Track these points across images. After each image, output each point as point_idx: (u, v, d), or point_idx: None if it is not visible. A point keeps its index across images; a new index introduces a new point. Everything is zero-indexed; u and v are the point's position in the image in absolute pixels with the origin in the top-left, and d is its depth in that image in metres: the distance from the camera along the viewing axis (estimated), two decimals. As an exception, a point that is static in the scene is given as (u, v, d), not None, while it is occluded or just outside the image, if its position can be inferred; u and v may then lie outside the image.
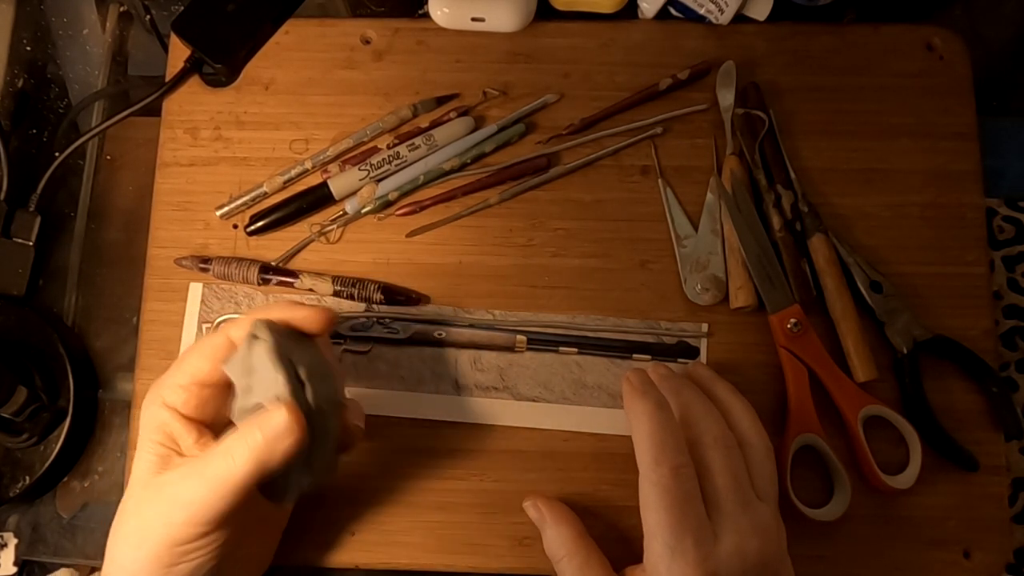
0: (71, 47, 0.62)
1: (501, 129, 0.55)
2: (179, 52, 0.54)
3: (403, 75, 0.56)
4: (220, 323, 0.52)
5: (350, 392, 0.51)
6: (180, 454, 0.41)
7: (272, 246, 0.54)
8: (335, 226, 0.54)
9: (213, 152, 0.55)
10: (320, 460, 0.41)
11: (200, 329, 0.52)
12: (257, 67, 0.55)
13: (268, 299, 0.53)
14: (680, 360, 0.52)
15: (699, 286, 0.52)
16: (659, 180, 0.54)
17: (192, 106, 0.56)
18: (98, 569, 0.53)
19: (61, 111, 0.60)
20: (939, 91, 0.55)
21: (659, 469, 0.42)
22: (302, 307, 0.42)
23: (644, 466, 0.42)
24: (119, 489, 0.52)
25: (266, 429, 0.38)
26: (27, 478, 0.52)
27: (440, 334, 0.52)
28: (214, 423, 0.43)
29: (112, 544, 0.41)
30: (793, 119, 0.55)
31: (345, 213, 0.54)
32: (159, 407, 0.41)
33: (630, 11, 0.57)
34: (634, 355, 0.52)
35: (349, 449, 0.44)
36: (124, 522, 0.41)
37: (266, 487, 0.40)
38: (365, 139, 0.55)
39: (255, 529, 0.45)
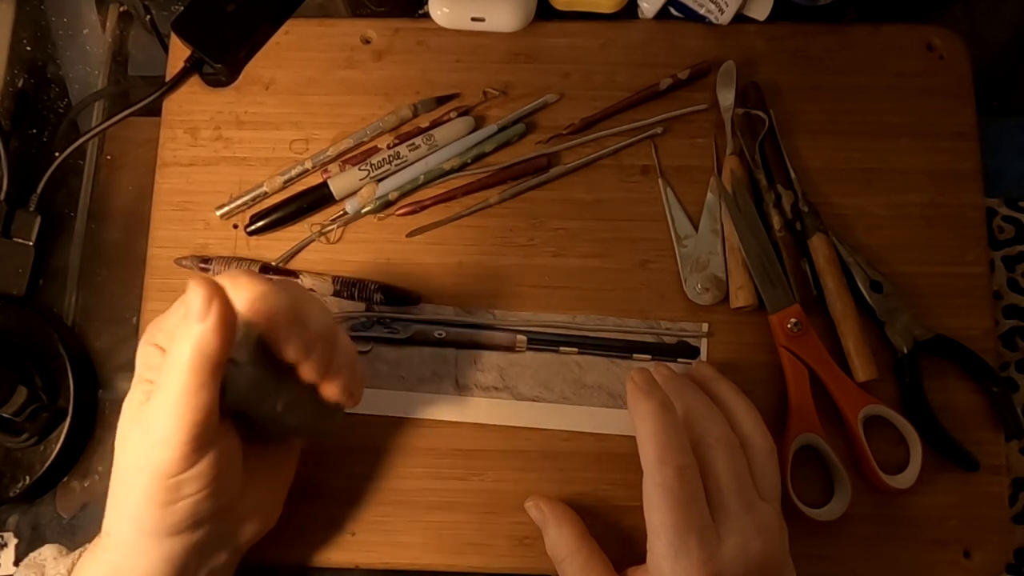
0: (71, 47, 0.62)
1: (501, 129, 0.55)
2: (179, 52, 0.54)
3: (403, 75, 0.56)
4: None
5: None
6: None
7: (272, 246, 0.54)
8: (335, 226, 0.54)
9: (213, 152, 0.55)
10: (291, 392, 0.40)
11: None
12: (257, 67, 0.55)
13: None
14: (680, 360, 0.52)
15: (699, 286, 0.52)
16: (659, 180, 0.54)
17: (192, 106, 0.56)
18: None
19: (61, 111, 0.60)
20: (939, 91, 0.55)
21: (663, 469, 0.42)
22: (253, 290, 0.38)
23: (648, 466, 0.42)
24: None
25: (191, 314, 0.36)
26: (27, 478, 0.52)
27: (440, 334, 0.52)
28: None
29: (112, 483, 0.40)
30: (793, 119, 0.55)
31: (345, 213, 0.54)
32: (152, 347, 0.40)
33: (630, 11, 0.57)
34: (634, 355, 0.52)
35: (344, 394, 0.42)
36: (116, 460, 0.40)
37: (243, 423, 0.40)
38: (365, 139, 0.55)
39: (256, 478, 0.43)
